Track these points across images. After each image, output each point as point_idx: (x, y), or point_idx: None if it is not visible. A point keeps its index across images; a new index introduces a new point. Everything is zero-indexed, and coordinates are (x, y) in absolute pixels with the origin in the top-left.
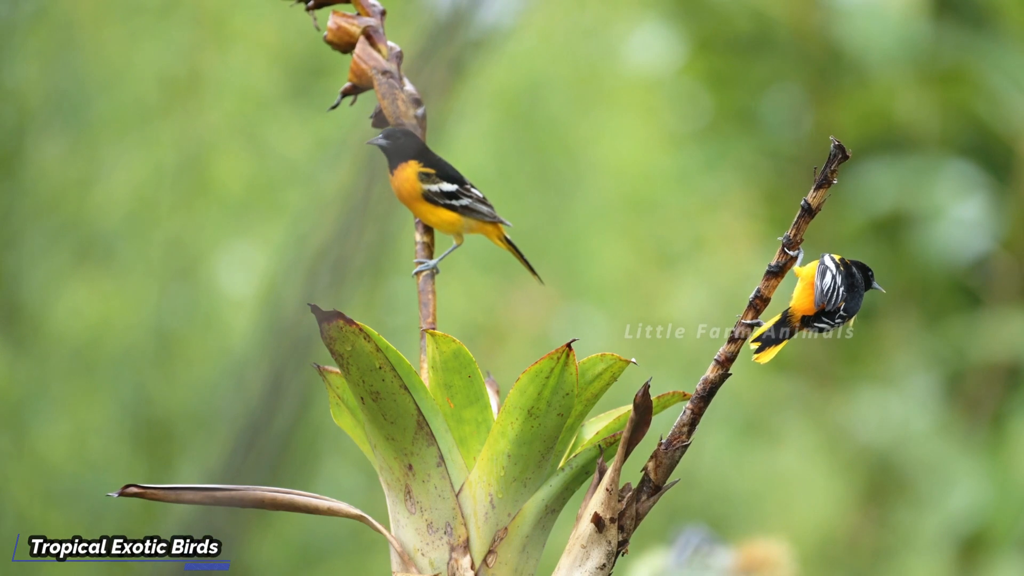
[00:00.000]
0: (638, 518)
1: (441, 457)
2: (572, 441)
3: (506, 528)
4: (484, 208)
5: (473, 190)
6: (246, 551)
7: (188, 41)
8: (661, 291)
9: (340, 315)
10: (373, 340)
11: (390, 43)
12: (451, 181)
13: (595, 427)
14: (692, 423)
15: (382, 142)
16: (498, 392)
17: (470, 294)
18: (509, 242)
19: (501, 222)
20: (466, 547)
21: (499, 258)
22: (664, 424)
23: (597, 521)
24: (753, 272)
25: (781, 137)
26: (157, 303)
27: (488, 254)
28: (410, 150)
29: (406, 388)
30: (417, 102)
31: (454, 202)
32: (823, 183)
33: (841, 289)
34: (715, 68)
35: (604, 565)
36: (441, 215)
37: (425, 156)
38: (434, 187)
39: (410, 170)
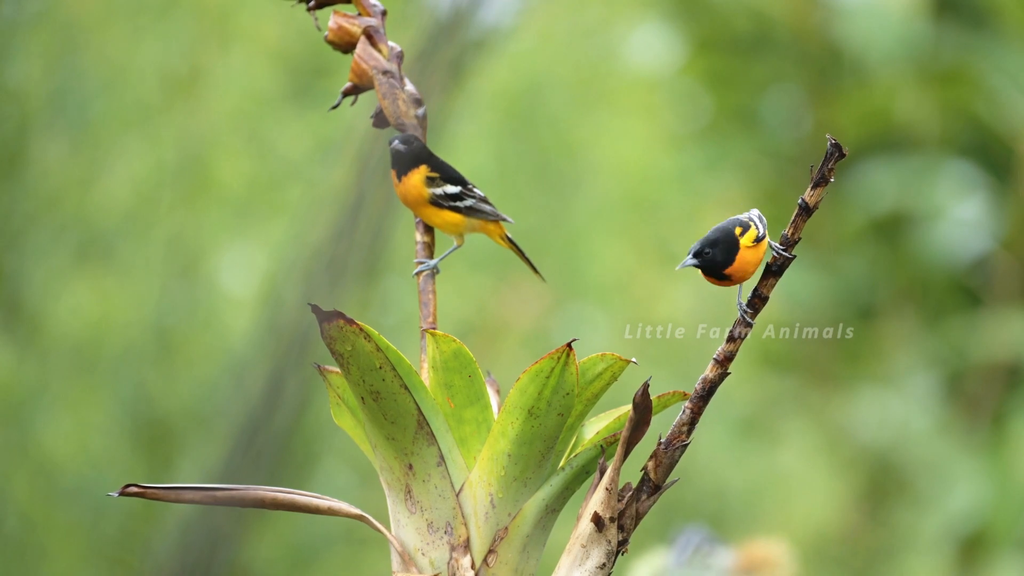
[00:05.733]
0: (638, 517)
1: (441, 457)
2: (572, 441)
3: (506, 528)
4: (487, 207)
5: (475, 190)
6: (246, 551)
7: (189, 40)
8: (661, 291)
9: (340, 315)
10: (373, 340)
11: (391, 43)
12: (454, 183)
13: (595, 427)
14: (691, 422)
15: (401, 147)
16: (498, 392)
17: (462, 292)
18: (511, 240)
19: (503, 219)
20: (466, 547)
21: (491, 256)
22: (664, 424)
23: (597, 520)
24: None
25: (781, 137)
26: (157, 302)
27: (481, 252)
28: (420, 155)
29: (406, 388)
30: (418, 102)
31: (458, 203)
32: (820, 181)
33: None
34: (715, 68)
35: (604, 564)
36: (446, 217)
37: (430, 160)
38: (439, 190)
39: (418, 177)
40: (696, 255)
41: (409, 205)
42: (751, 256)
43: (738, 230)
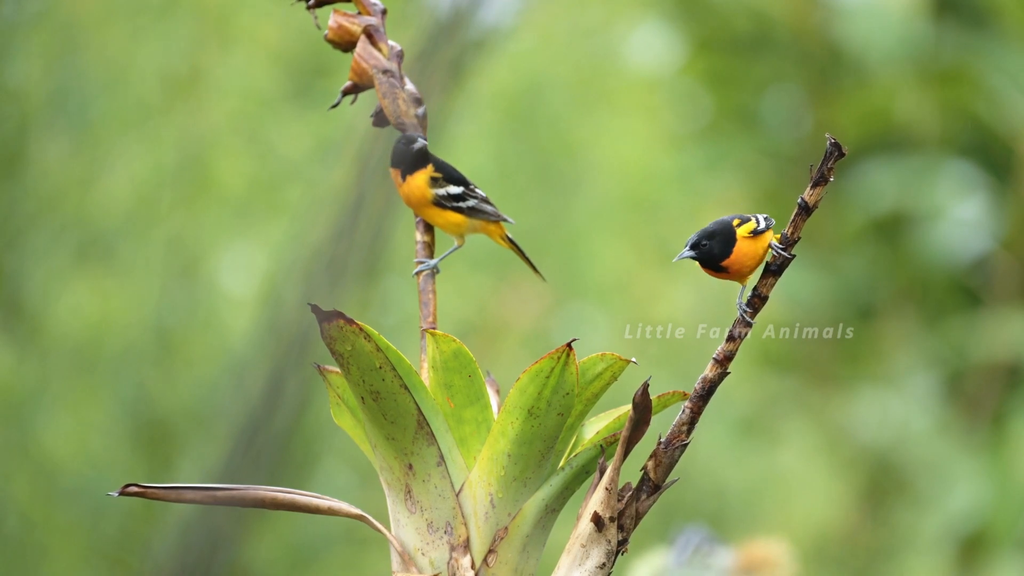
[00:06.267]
0: (638, 517)
1: (441, 457)
2: (572, 441)
3: (506, 528)
4: (488, 208)
5: (477, 191)
6: (246, 551)
7: (189, 40)
8: (661, 291)
9: (340, 315)
10: (373, 340)
11: (391, 42)
12: (457, 183)
13: (595, 427)
14: (691, 422)
15: (408, 147)
16: (498, 392)
17: (462, 292)
18: (511, 241)
19: (504, 220)
20: (466, 547)
21: (491, 256)
22: (664, 423)
23: (597, 520)
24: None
25: (781, 137)
26: (158, 302)
27: (481, 253)
28: (424, 156)
29: (406, 388)
30: (418, 101)
31: (461, 204)
32: (820, 181)
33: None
34: (715, 68)
35: (604, 564)
36: (448, 218)
37: (434, 161)
38: (442, 191)
39: (422, 178)
40: (693, 247)
41: (412, 205)
42: (749, 248)
43: (736, 222)
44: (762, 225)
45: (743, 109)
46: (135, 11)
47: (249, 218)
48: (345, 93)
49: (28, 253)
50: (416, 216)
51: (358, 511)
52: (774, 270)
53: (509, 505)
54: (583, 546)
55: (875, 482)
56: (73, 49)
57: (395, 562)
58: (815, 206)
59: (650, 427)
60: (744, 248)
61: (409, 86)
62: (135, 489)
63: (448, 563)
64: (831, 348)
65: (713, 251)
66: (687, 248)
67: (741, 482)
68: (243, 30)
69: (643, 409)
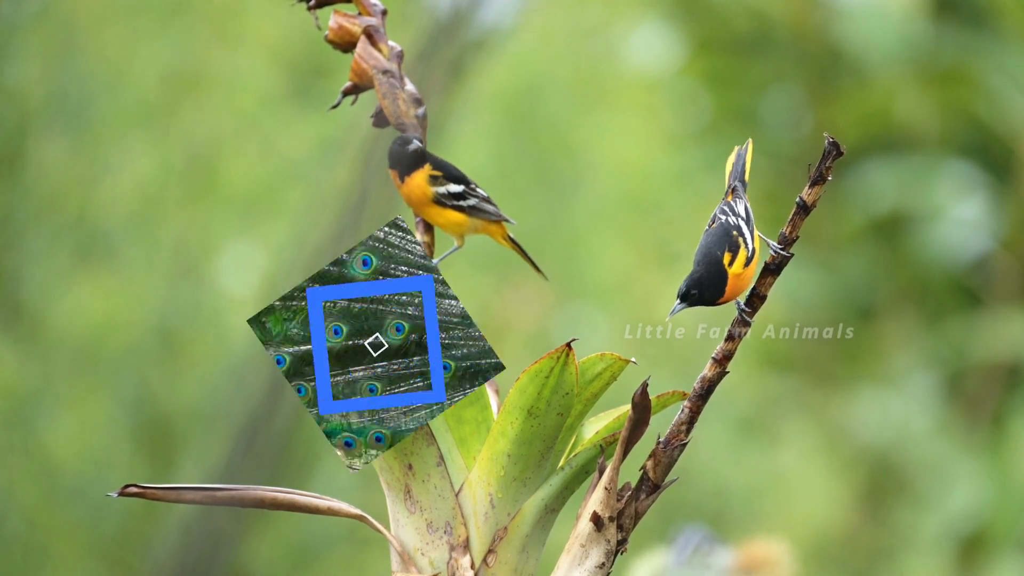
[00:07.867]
0: (637, 517)
1: (441, 457)
2: (572, 441)
3: (506, 528)
4: (490, 207)
5: (478, 190)
6: (246, 551)
7: (190, 40)
8: (661, 291)
9: None
10: None
11: (391, 42)
12: (457, 182)
13: (595, 426)
14: (690, 421)
15: (403, 148)
16: (498, 391)
17: (464, 292)
18: (513, 241)
19: (505, 220)
20: (466, 547)
21: (493, 256)
22: (664, 423)
23: (596, 520)
24: None
25: (781, 137)
26: (160, 302)
27: (482, 253)
28: (422, 155)
29: None
30: (418, 102)
31: (462, 203)
32: (818, 180)
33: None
34: (715, 68)
35: (603, 564)
36: (449, 216)
37: (432, 159)
38: (442, 189)
39: (420, 176)
40: (683, 298)
41: (412, 205)
42: (743, 281)
43: (727, 257)
44: (750, 247)
45: (743, 109)
46: (135, 11)
47: (251, 218)
48: (345, 93)
49: (28, 253)
50: (416, 216)
51: (358, 511)
52: (772, 269)
53: (509, 505)
54: (582, 546)
55: (875, 482)
56: (73, 49)
57: (395, 562)
58: (813, 205)
59: (650, 427)
60: (736, 284)
61: (409, 86)
62: (135, 490)
63: (448, 563)
64: (831, 348)
65: (704, 298)
66: (678, 303)
67: (741, 482)
68: (243, 30)
69: (642, 409)
